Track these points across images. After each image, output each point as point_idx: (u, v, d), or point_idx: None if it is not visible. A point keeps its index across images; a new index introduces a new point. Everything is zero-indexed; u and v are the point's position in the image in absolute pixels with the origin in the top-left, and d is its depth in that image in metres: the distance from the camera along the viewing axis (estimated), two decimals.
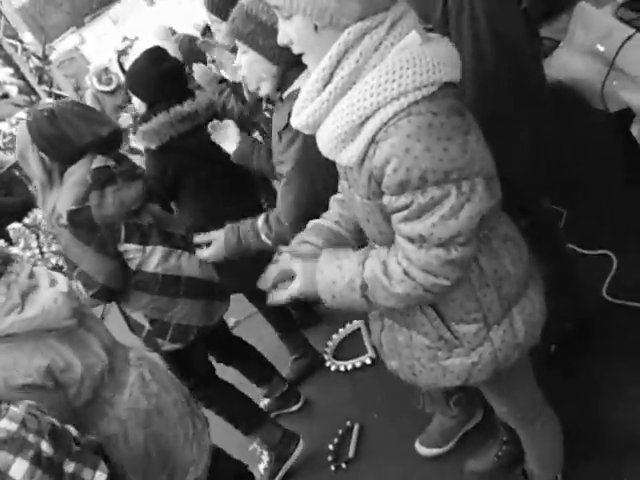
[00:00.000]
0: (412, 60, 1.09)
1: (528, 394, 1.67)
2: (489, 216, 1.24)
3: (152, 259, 2.22)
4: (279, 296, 1.41)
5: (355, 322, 3.33)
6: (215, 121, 2.45)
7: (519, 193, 1.57)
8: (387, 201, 1.17)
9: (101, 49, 11.34)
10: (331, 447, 2.67)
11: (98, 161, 2.12)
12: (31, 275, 1.63)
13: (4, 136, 9.17)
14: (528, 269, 1.42)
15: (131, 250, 2.18)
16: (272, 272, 1.43)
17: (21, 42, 5.65)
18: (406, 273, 1.20)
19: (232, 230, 1.96)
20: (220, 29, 2.54)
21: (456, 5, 1.65)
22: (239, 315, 3.78)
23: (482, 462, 2.15)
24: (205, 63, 3.53)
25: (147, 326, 2.27)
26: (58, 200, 2.08)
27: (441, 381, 1.45)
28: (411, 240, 1.17)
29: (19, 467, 1.05)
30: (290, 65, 1.63)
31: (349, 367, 3.08)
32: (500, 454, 2.11)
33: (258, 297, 2.90)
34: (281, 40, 1.22)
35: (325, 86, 1.16)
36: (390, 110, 1.09)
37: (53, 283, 1.66)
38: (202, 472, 1.79)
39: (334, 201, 1.60)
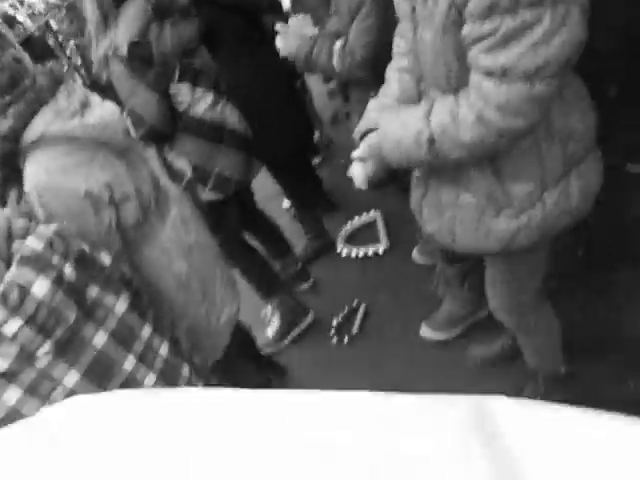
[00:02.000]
0: None
1: (534, 285, 1.66)
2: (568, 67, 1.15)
3: (201, 104, 2.18)
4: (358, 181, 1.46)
5: (372, 212, 3.35)
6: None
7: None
8: (468, 31, 1.09)
9: None
10: (335, 322, 2.77)
11: None
12: (86, 94, 1.57)
13: None
14: (593, 135, 1.35)
15: (182, 91, 2.14)
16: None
17: None
18: (480, 117, 1.13)
19: (308, 40, 1.97)
20: None
21: None
22: None
23: (486, 349, 2.23)
24: None
25: (189, 173, 2.27)
26: (117, 34, 2.02)
27: (481, 243, 1.41)
28: (490, 74, 1.09)
29: (41, 285, 1.05)
30: None
31: (360, 254, 3.15)
32: (505, 346, 2.18)
33: (282, 173, 2.92)
34: None
35: None
36: None
37: (104, 104, 1.61)
38: (234, 314, 1.85)
39: (392, 72, 1.53)
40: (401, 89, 1.46)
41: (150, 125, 2.09)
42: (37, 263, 1.06)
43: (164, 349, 1.32)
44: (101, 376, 1.14)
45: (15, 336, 1.00)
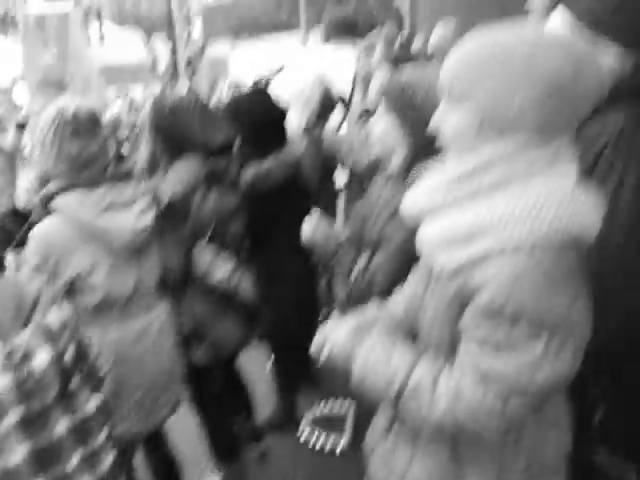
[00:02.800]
0: (560, 201, 1.03)
1: None
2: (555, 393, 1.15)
3: (220, 270, 2.23)
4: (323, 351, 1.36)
5: (348, 402, 3.36)
6: None
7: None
8: (467, 321, 1.09)
9: (244, 65, 12.23)
10: None
11: (213, 160, 2.18)
12: (132, 199, 1.88)
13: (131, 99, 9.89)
14: (562, 463, 1.28)
15: (206, 253, 2.20)
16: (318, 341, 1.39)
17: (190, 33, 6.21)
18: (451, 404, 1.09)
19: (333, 240, 1.91)
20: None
21: (608, 161, 1.43)
22: None
23: None
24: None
25: (185, 332, 2.23)
26: (164, 182, 2.11)
27: None
28: (473, 374, 1.08)
29: (42, 358, 1.14)
30: (421, 154, 1.61)
31: (318, 445, 3.07)
32: None
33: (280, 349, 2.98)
34: (435, 121, 1.17)
35: (457, 184, 1.10)
36: (515, 236, 1.03)
37: (142, 214, 1.88)
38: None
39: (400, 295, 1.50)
40: (394, 319, 1.44)
41: (160, 276, 2.11)
42: (48, 336, 1.17)
43: (109, 459, 1.34)
44: (44, 462, 1.16)
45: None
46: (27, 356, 1.13)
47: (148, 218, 1.91)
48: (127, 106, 8.63)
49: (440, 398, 1.11)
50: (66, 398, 1.22)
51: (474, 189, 1.08)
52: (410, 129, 1.64)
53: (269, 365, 3.58)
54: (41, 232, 1.78)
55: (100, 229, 1.78)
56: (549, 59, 1.00)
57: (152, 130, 2.16)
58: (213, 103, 6.69)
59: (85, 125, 1.77)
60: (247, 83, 7.50)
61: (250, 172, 2.43)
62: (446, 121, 1.13)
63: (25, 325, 1.19)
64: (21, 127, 4.66)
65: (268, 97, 2.60)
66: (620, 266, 1.40)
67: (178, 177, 2.12)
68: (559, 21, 1.42)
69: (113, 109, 7.12)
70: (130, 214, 1.85)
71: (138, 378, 1.92)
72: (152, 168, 2.18)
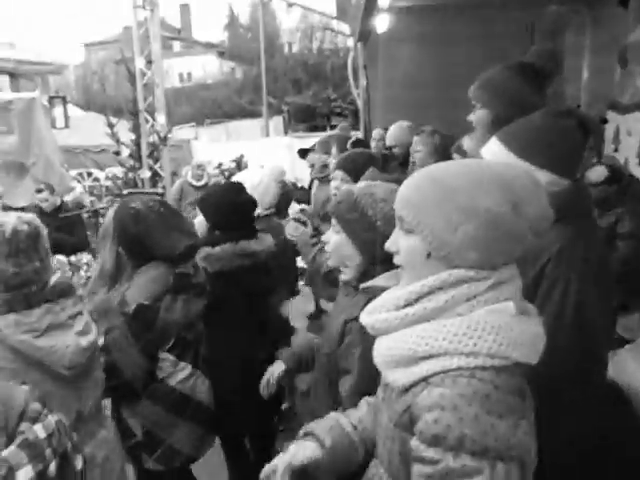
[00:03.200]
0: (498, 328, 1.07)
1: None
2: None
3: (177, 375, 2.18)
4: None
5: None
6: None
7: None
8: (415, 445, 1.09)
9: (207, 150, 12.59)
10: None
11: (182, 267, 2.19)
12: (73, 316, 1.77)
13: (95, 179, 10.03)
14: None
15: (167, 361, 2.16)
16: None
17: (154, 119, 6.42)
18: None
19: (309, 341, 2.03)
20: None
21: (551, 276, 1.54)
22: None
23: None
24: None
25: (139, 436, 2.17)
26: (129, 290, 2.09)
27: None
28: None
29: (27, 473, 1.11)
30: (376, 261, 1.63)
31: None
32: None
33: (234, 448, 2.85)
34: (389, 246, 1.24)
35: (405, 306, 1.16)
36: (455, 362, 1.06)
37: (83, 333, 1.78)
38: None
39: (365, 403, 1.52)
40: (362, 420, 1.46)
41: (126, 381, 2.05)
42: (33, 451, 1.14)
43: None
44: None
45: None
46: (12, 473, 1.11)
47: (91, 335, 1.82)
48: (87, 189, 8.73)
49: None
50: None
51: (417, 314, 1.13)
52: (361, 245, 1.70)
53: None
54: None
55: (41, 354, 1.66)
56: (489, 197, 1.08)
57: (115, 238, 2.15)
58: (176, 187, 6.88)
59: (24, 243, 1.66)
60: (209, 167, 7.76)
61: (203, 252, 2.49)
62: (399, 245, 1.21)
63: (9, 439, 1.16)
64: None
65: (240, 188, 2.73)
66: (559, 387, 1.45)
67: (144, 285, 2.11)
68: (495, 150, 1.62)
69: (75, 192, 7.18)
70: (71, 334, 1.74)
71: None
72: (117, 274, 2.16)
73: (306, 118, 26.00)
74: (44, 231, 1.75)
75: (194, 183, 6.83)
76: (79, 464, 1.32)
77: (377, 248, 1.50)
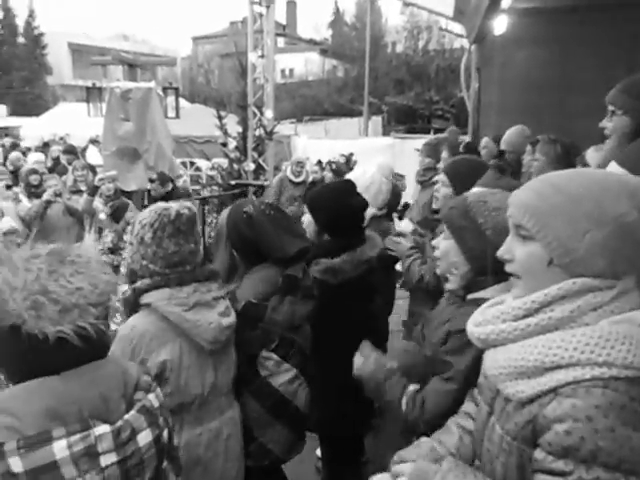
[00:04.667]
0: (629, 338, 1.04)
1: None
2: None
3: (282, 377, 2.18)
4: None
5: None
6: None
7: None
8: (540, 456, 1.07)
9: (307, 147, 12.70)
10: None
11: (292, 269, 2.19)
12: (217, 298, 1.93)
13: (197, 169, 10.41)
14: None
15: (271, 359, 2.17)
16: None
17: (261, 113, 6.51)
18: None
19: (383, 369, 1.86)
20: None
21: None
22: None
23: None
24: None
25: None
26: (239, 288, 2.17)
27: None
28: None
29: (146, 437, 1.17)
30: (484, 272, 1.61)
31: None
32: None
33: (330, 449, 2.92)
34: (502, 254, 1.22)
35: (526, 317, 1.14)
36: (589, 372, 1.03)
37: (224, 314, 1.92)
38: None
39: (455, 426, 1.50)
40: (459, 448, 1.45)
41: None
42: (150, 417, 1.20)
43: None
44: None
45: (105, 469, 1.09)
46: (134, 434, 1.15)
47: (231, 318, 1.94)
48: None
49: None
50: (157, 478, 1.23)
51: (541, 324, 1.11)
52: (469, 253, 1.66)
53: (317, 451, 3.49)
54: (134, 324, 1.82)
55: (187, 325, 1.82)
56: (617, 204, 1.06)
57: (229, 239, 2.22)
58: (276, 181, 6.97)
59: (185, 225, 1.84)
60: (308, 164, 7.80)
61: (323, 264, 2.46)
62: (514, 253, 1.18)
63: (129, 405, 1.21)
64: (94, 190, 4.89)
65: (352, 189, 2.65)
66: None
67: (254, 284, 2.17)
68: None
69: (184, 180, 7.42)
70: (214, 313, 1.88)
71: None
72: (230, 272, 2.25)
73: (406, 119, 25.71)
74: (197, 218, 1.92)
75: (293, 179, 6.92)
76: (176, 440, 1.38)
77: (485, 258, 1.51)
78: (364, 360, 1.92)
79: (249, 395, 2.17)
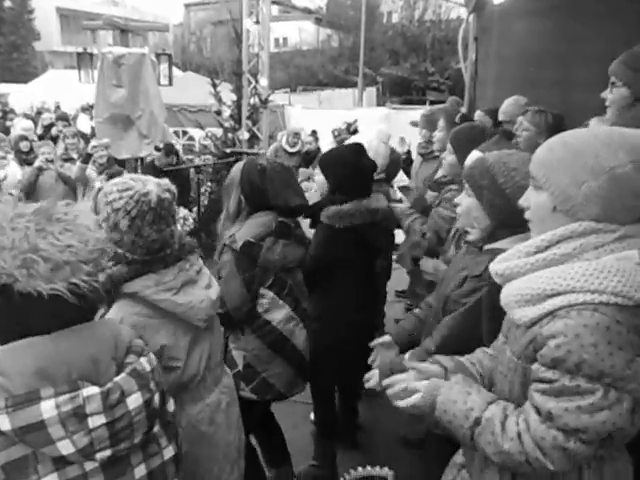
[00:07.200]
0: (622, 271, 1.17)
1: None
2: (617, 444, 1.23)
3: (278, 313, 2.47)
4: (400, 402, 1.49)
5: (386, 470, 3.26)
6: None
7: None
8: (535, 368, 1.24)
9: (301, 117, 12.57)
10: None
11: (285, 218, 2.50)
12: (199, 271, 1.87)
13: (190, 138, 10.29)
14: None
15: (267, 296, 2.45)
16: (395, 380, 1.55)
17: (257, 82, 6.42)
18: (519, 435, 1.24)
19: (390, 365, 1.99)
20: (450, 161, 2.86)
21: None
22: None
23: None
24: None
25: (240, 367, 2.47)
26: (240, 230, 2.42)
27: None
28: (538, 412, 1.22)
29: (136, 399, 1.17)
30: (502, 225, 1.76)
31: None
32: None
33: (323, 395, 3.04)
34: (522, 202, 1.38)
35: (536, 253, 1.29)
36: (581, 297, 1.18)
37: (208, 286, 1.88)
38: None
39: (480, 350, 1.66)
40: (482, 362, 1.60)
41: (226, 310, 2.32)
42: (141, 380, 1.20)
43: None
44: None
45: (93, 430, 1.09)
46: (122, 397, 1.15)
47: (215, 286, 1.93)
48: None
49: (510, 430, 1.26)
50: (146, 443, 1.23)
51: (547, 259, 1.27)
52: (490, 210, 1.79)
53: (311, 415, 3.55)
54: (121, 318, 1.64)
55: (181, 309, 1.75)
56: (614, 157, 1.20)
57: (240, 185, 2.47)
58: (271, 151, 6.91)
59: (165, 210, 1.70)
60: (303, 134, 7.73)
61: (332, 209, 2.69)
62: (530, 201, 1.36)
63: (119, 368, 1.20)
64: (87, 157, 4.83)
65: (362, 151, 2.85)
66: None
67: (252, 227, 2.43)
68: None
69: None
70: (201, 288, 1.84)
71: (213, 455, 1.89)
72: (236, 216, 2.51)
73: (401, 91, 25.46)
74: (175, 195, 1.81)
75: (288, 149, 6.87)
76: (171, 406, 1.36)
77: (504, 213, 1.71)
78: (381, 354, 2.26)
79: (252, 334, 2.45)
